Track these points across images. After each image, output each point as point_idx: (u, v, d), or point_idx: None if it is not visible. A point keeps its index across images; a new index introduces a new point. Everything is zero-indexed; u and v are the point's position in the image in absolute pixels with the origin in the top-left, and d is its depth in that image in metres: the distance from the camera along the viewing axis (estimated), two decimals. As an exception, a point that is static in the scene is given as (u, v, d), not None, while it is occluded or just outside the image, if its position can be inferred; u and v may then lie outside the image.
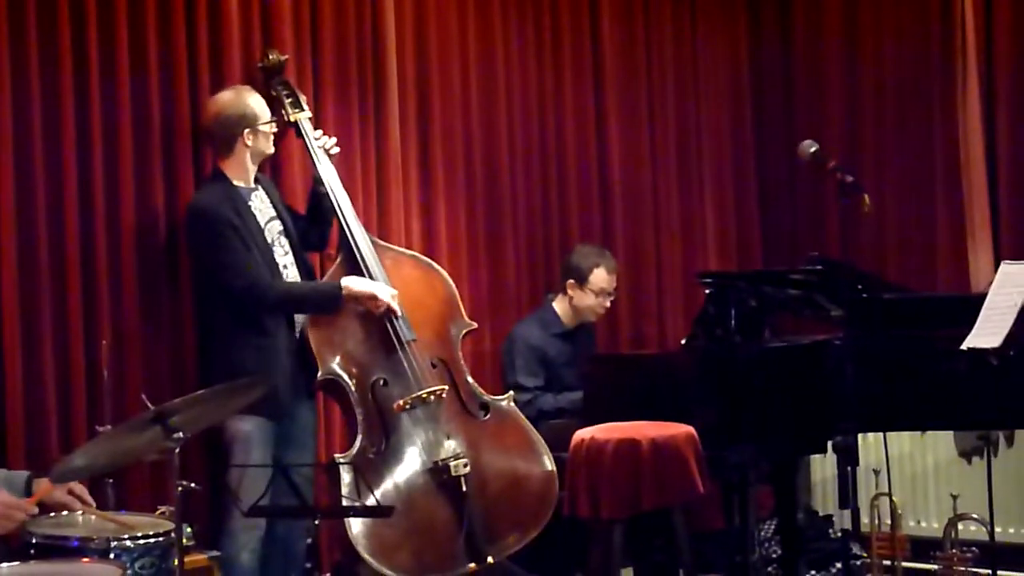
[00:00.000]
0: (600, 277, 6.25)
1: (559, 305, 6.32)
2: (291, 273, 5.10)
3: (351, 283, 5.08)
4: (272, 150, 5.18)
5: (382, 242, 5.45)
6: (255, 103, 5.08)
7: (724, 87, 7.49)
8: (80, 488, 4.08)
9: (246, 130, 5.02)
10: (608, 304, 6.32)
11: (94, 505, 4.10)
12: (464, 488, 5.08)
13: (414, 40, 6.09)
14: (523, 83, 6.59)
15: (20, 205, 4.80)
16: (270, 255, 5.01)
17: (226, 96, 5.10)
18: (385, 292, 5.11)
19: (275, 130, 5.16)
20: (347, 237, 5.23)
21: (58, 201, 4.89)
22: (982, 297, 5.03)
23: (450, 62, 6.25)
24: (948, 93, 6.78)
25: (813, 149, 5.33)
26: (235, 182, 5.04)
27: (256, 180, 5.13)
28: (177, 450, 3.75)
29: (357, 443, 5.02)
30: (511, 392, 5.61)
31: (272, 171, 5.38)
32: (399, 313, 5.15)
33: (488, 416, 5.37)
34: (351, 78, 5.80)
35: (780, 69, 7.59)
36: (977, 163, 6.67)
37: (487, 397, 5.41)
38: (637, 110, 7.06)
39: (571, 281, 6.26)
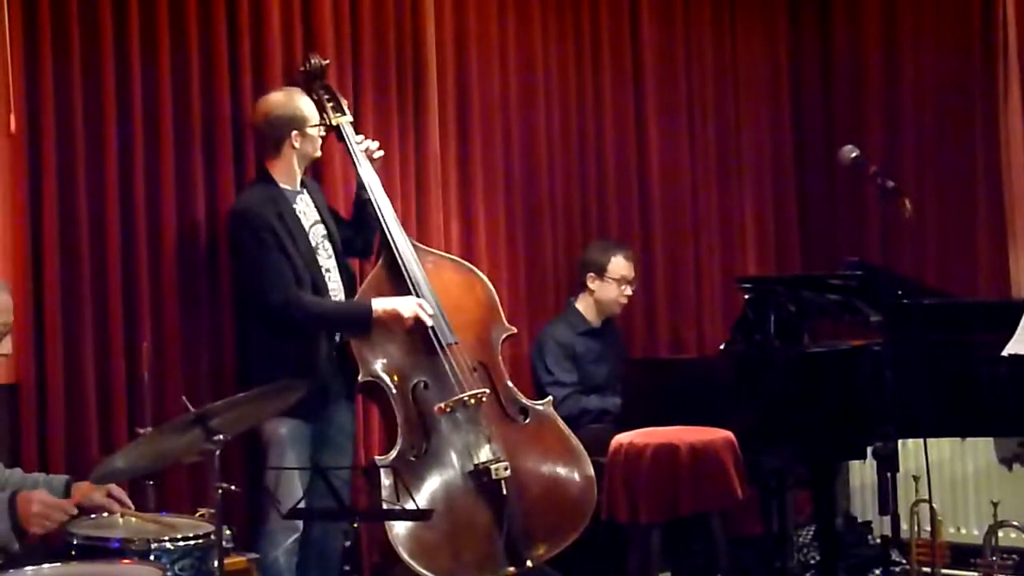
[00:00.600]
0: (619, 264, 6.26)
1: (582, 304, 6.32)
2: (333, 277, 5.10)
3: (376, 304, 5.06)
4: (319, 154, 5.19)
5: (423, 246, 5.45)
6: (305, 105, 5.09)
7: (763, 91, 7.46)
8: (119, 491, 4.09)
9: (294, 132, 5.03)
10: (630, 293, 6.31)
11: (133, 508, 4.12)
12: (504, 491, 5.08)
13: (454, 42, 6.10)
14: (562, 86, 6.58)
15: (63, 208, 4.83)
16: (313, 259, 5.02)
17: (277, 97, 5.11)
18: (407, 307, 5.09)
19: (323, 133, 5.17)
20: (388, 241, 5.22)
21: (100, 204, 4.91)
22: (1023, 303, 5.00)
23: (489, 64, 6.25)
24: (989, 96, 6.74)
25: (854, 154, 5.31)
26: (281, 184, 5.05)
27: (302, 183, 5.15)
28: (217, 452, 3.77)
29: (397, 446, 5.02)
30: (550, 397, 5.60)
31: (313, 175, 5.38)
32: (428, 323, 5.15)
33: (527, 420, 5.37)
34: (391, 81, 5.81)
35: (820, 73, 7.56)
36: (1019, 167, 6.64)
37: (526, 401, 5.41)
38: (676, 114, 7.04)
39: (591, 274, 6.26)
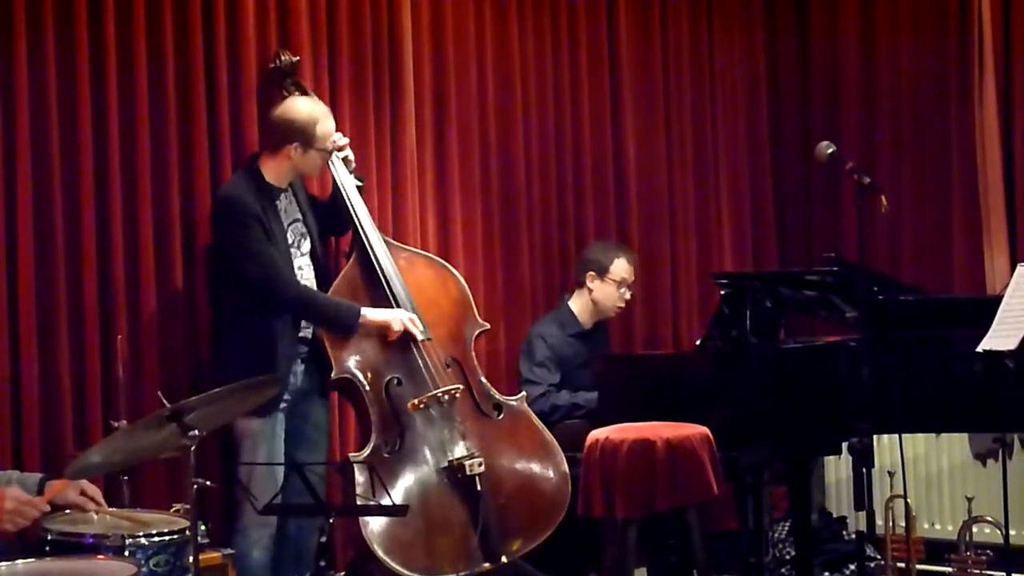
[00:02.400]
0: (621, 267, 6.23)
1: (576, 304, 6.29)
2: (306, 274, 5.11)
3: (368, 312, 5.07)
4: (318, 173, 5.23)
5: (395, 242, 5.45)
6: (322, 128, 5.06)
7: (740, 87, 7.47)
8: (93, 488, 4.08)
9: (297, 144, 5.01)
10: (628, 297, 6.30)
11: (105, 505, 4.10)
12: (478, 487, 5.08)
13: (431, 40, 6.09)
14: (539, 83, 6.58)
15: (37, 199, 4.80)
16: (288, 256, 5.02)
17: (303, 104, 5.11)
18: (398, 321, 5.10)
19: (329, 157, 5.15)
20: (361, 238, 5.23)
21: (75, 197, 4.89)
22: (998, 299, 5.02)
23: (467, 62, 6.24)
24: (965, 94, 6.76)
25: (830, 151, 5.31)
26: (269, 180, 5.05)
27: (289, 181, 5.15)
28: (193, 448, 3.76)
29: (371, 442, 5.02)
30: (523, 393, 5.60)
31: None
32: (419, 338, 5.15)
33: (501, 416, 5.38)
34: (367, 77, 5.80)
35: (796, 68, 7.58)
36: (994, 165, 6.64)
37: (500, 397, 5.42)
38: (653, 111, 7.04)
39: (591, 273, 6.22)
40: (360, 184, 5.35)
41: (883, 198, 5.30)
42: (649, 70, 7.04)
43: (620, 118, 6.89)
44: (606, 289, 6.22)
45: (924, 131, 6.97)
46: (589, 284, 6.23)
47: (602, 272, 6.21)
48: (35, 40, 4.81)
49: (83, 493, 4.04)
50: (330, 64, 5.69)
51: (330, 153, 5.15)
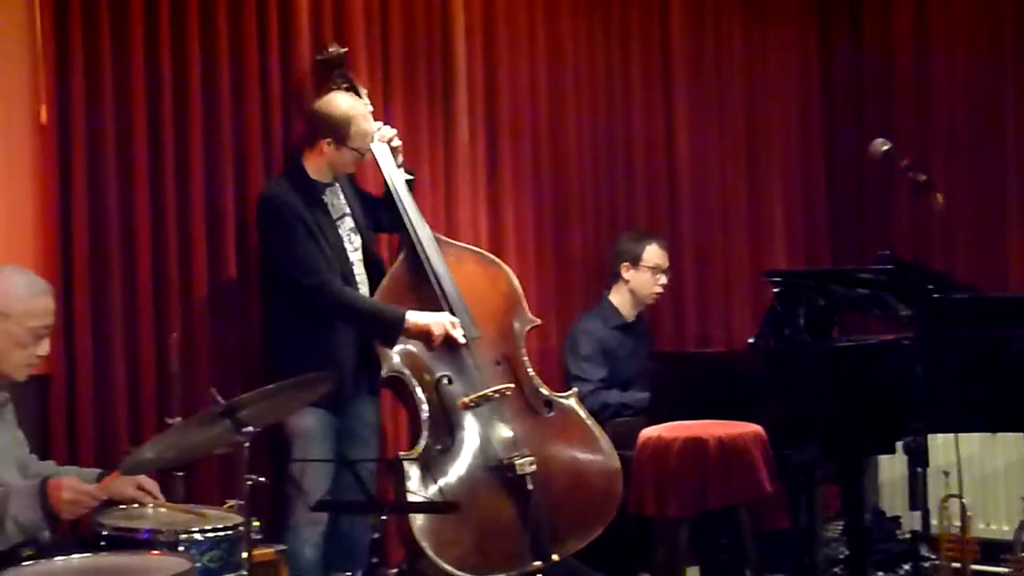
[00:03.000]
0: (654, 252, 6.25)
1: (616, 297, 6.30)
2: (359, 271, 5.12)
3: (411, 317, 5.05)
4: (351, 170, 5.20)
5: (444, 238, 5.44)
6: (358, 123, 5.04)
7: (793, 83, 7.44)
8: (150, 483, 4.11)
9: (329, 139, 5.01)
10: (664, 282, 6.30)
11: (163, 499, 4.13)
12: (530, 486, 5.07)
13: (482, 34, 6.09)
14: (591, 78, 6.57)
15: (92, 199, 4.83)
16: (341, 251, 5.03)
17: (341, 99, 5.10)
18: (439, 325, 5.08)
19: (361, 158, 5.14)
20: (410, 235, 5.22)
21: (129, 195, 4.92)
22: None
23: (519, 56, 6.25)
24: (1021, 91, 6.71)
25: (885, 148, 5.28)
26: (312, 175, 5.06)
27: (334, 176, 5.14)
28: (246, 444, 3.77)
29: (422, 441, 5.01)
30: (575, 389, 5.59)
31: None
32: (461, 342, 5.13)
33: (552, 413, 5.36)
34: (420, 72, 5.81)
35: (850, 65, 7.53)
36: (1050, 162, 6.61)
37: (550, 394, 5.40)
38: (706, 106, 7.03)
39: (625, 264, 6.25)
40: (411, 179, 5.35)
41: (938, 195, 5.26)
42: (701, 66, 7.02)
43: (672, 115, 6.88)
44: (641, 277, 6.24)
45: (979, 128, 6.92)
46: (624, 275, 6.25)
47: (635, 261, 6.24)
48: (91, 38, 4.83)
49: (140, 488, 4.07)
50: (383, 58, 5.70)
51: (364, 155, 5.13)
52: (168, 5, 5.02)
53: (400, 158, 5.34)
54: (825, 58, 7.58)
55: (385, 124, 5.36)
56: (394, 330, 5.03)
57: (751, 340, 5.80)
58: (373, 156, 5.27)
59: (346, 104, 5.08)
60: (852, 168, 7.43)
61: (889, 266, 5.57)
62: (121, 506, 4.05)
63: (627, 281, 6.26)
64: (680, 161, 6.88)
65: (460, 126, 5.95)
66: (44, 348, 4.07)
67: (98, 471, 4.15)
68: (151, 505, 4.08)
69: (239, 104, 5.22)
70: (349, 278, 5.04)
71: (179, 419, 4.39)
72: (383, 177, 5.28)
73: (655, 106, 6.82)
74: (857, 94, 7.49)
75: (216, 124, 5.15)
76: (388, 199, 5.28)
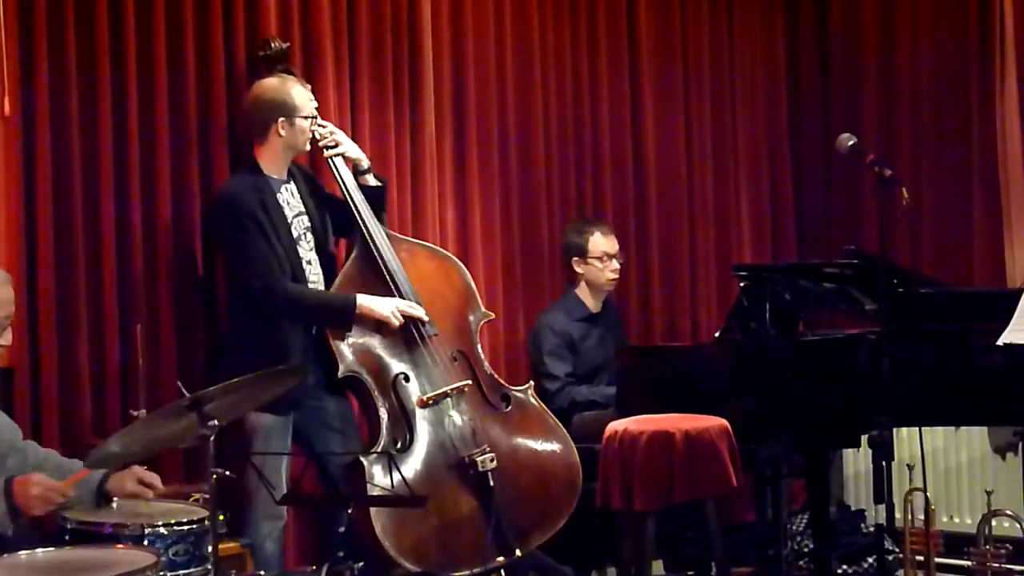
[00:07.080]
0: (598, 241, 6.24)
1: (580, 291, 6.30)
2: (314, 270, 5.05)
3: (363, 301, 4.99)
4: (307, 148, 5.12)
5: (396, 234, 5.36)
6: (298, 95, 5.03)
7: (760, 77, 7.46)
8: (150, 476, 4.11)
9: (281, 119, 4.98)
10: (618, 267, 6.28)
11: (163, 488, 4.13)
12: (491, 483, 5.03)
13: (450, 30, 6.08)
14: (559, 72, 6.57)
15: (57, 190, 4.81)
16: (294, 250, 4.96)
17: (270, 82, 5.06)
18: (386, 310, 5.00)
19: (314, 127, 5.10)
20: (362, 231, 5.14)
21: (94, 186, 4.90)
22: (1019, 292, 5.01)
23: (486, 52, 6.23)
24: (986, 86, 6.75)
25: (851, 142, 5.30)
26: (267, 172, 5.01)
27: (290, 173, 5.10)
28: (212, 437, 3.76)
29: (381, 440, 4.95)
30: (531, 382, 5.55)
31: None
32: (425, 318, 5.10)
33: (510, 407, 5.32)
34: (387, 68, 5.79)
35: (817, 59, 7.55)
36: (1015, 158, 6.64)
37: (508, 388, 5.37)
38: (673, 100, 7.03)
39: (575, 259, 6.25)
40: (383, 184, 5.30)
41: (904, 190, 5.27)
42: (669, 60, 7.02)
43: (640, 109, 6.88)
44: (592, 268, 6.24)
45: (944, 123, 6.95)
46: (577, 269, 6.26)
47: (583, 254, 6.24)
48: (55, 28, 4.81)
49: (141, 481, 4.06)
50: (350, 55, 5.68)
51: (314, 119, 5.07)
52: (133, 7, 5.00)
53: (364, 163, 5.24)
54: (792, 52, 7.59)
55: (353, 120, 5.33)
56: (346, 314, 4.96)
57: (717, 334, 5.82)
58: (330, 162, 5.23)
59: (275, 82, 5.06)
60: (819, 162, 7.44)
61: (855, 260, 5.60)
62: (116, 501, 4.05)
63: (581, 275, 6.26)
64: (647, 153, 6.87)
65: (427, 121, 5.92)
66: (6, 338, 4.05)
67: (103, 471, 4.11)
68: (152, 498, 4.08)
69: (205, 97, 5.19)
70: (300, 277, 4.96)
71: (144, 412, 4.38)
72: (335, 175, 5.19)
73: (622, 101, 6.82)
74: (824, 88, 7.51)
75: (182, 117, 5.13)
76: (343, 198, 5.22)
